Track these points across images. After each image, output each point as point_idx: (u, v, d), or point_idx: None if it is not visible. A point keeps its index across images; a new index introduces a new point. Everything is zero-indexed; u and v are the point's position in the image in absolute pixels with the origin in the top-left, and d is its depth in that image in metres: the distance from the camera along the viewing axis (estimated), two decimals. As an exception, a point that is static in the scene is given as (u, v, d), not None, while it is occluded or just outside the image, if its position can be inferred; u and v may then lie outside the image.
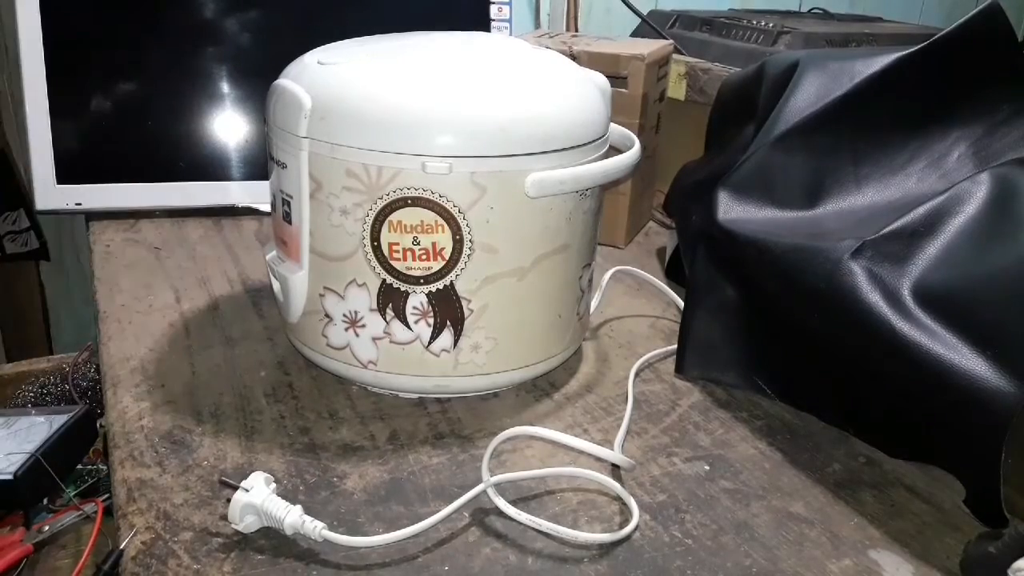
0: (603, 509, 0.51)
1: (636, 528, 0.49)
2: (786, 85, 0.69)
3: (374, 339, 0.58)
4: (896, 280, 0.54)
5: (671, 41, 0.99)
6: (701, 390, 0.65)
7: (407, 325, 0.57)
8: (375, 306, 0.57)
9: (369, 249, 0.55)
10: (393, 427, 0.58)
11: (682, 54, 1.02)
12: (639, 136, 0.65)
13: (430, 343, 0.57)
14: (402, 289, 0.56)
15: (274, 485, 0.49)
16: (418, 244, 0.55)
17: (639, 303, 0.78)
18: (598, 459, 0.54)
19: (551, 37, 0.92)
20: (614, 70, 0.82)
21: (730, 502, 0.52)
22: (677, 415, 0.61)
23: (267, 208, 0.65)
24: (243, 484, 0.48)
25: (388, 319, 0.57)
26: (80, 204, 0.89)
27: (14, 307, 1.46)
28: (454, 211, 0.54)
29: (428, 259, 0.55)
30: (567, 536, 0.49)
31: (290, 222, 0.58)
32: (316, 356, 0.61)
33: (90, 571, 0.66)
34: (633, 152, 0.61)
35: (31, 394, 1.03)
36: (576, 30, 1.33)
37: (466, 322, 0.57)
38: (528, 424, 0.58)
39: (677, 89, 0.97)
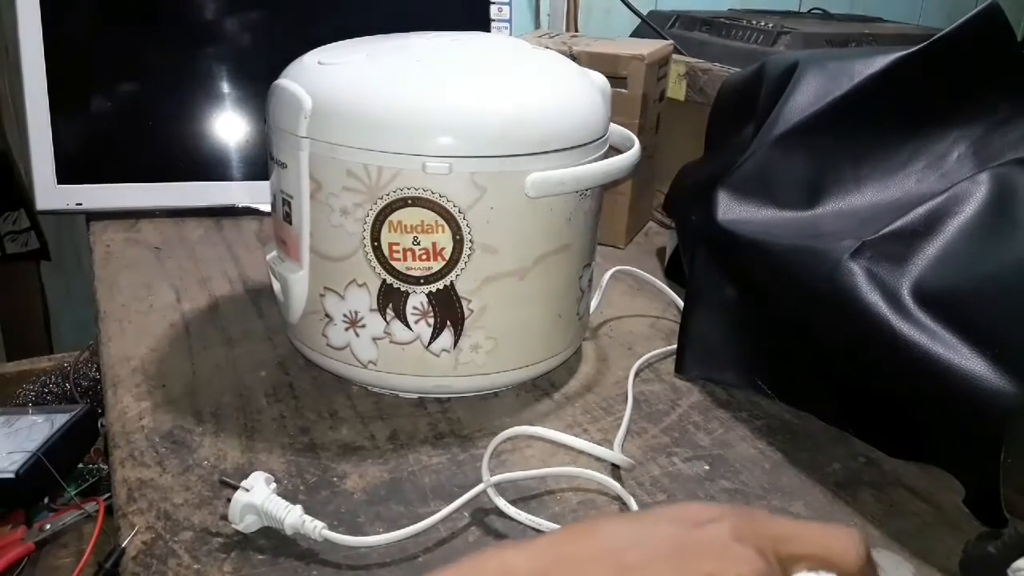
0: (603, 509, 0.52)
1: (636, 528, 0.49)
2: (786, 85, 0.69)
3: (374, 339, 0.58)
4: (896, 280, 0.54)
5: (671, 41, 0.99)
6: (701, 390, 0.65)
7: (407, 325, 0.57)
8: (375, 306, 0.57)
9: (369, 249, 0.55)
10: (393, 427, 0.58)
11: (682, 54, 1.02)
12: (639, 136, 0.65)
13: (430, 343, 0.57)
14: (402, 289, 0.56)
15: (274, 485, 0.49)
16: (418, 244, 0.55)
17: (639, 303, 0.78)
18: (598, 459, 0.54)
19: (551, 37, 0.92)
20: (614, 70, 0.82)
21: (730, 502, 0.52)
22: (677, 415, 0.61)
23: (267, 208, 0.65)
24: (243, 484, 0.48)
25: (388, 319, 0.57)
26: (80, 204, 0.89)
27: (14, 307, 1.46)
28: (454, 211, 0.54)
29: (428, 259, 0.55)
30: (567, 536, 0.49)
31: (290, 222, 0.58)
32: (316, 356, 0.61)
33: (92, 569, 0.66)
34: (633, 152, 0.61)
35: (32, 393, 1.03)
36: (576, 30, 1.33)
37: (466, 322, 0.57)
38: (528, 424, 0.58)
39: (677, 89, 0.97)
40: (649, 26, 1.22)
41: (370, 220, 0.54)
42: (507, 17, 1.02)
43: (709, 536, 0.30)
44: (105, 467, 0.86)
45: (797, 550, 0.31)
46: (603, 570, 0.29)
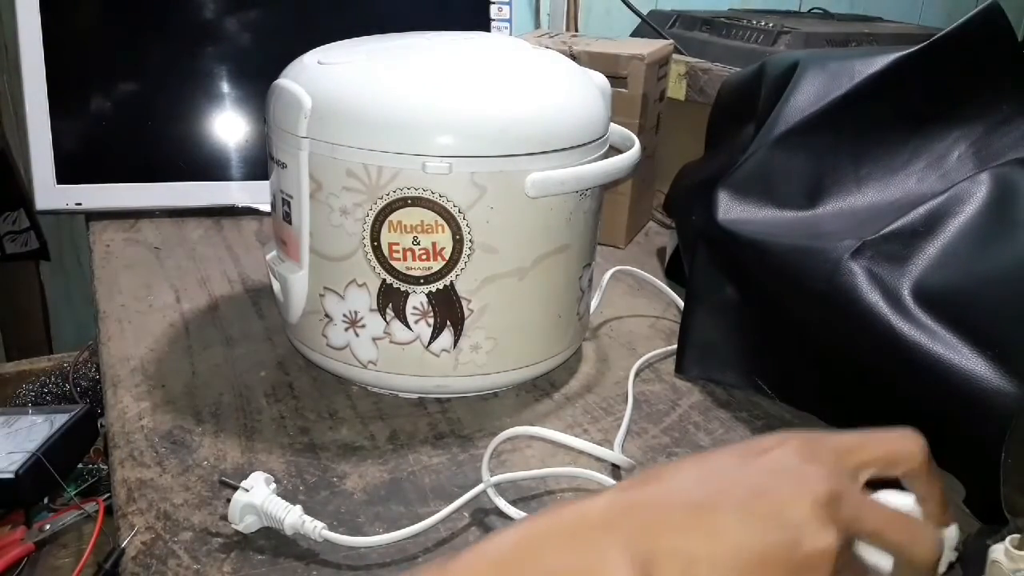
0: (603, 509, 0.51)
1: (636, 528, 0.49)
2: (786, 85, 0.69)
3: (374, 339, 0.58)
4: (896, 280, 0.54)
5: (671, 41, 0.99)
6: (701, 390, 0.65)
7: (407, 325, 0.57)
8: (375, 306, 0.57)
9: (369, 249, 0.55)
10: (393, 427, 0.58)
11: (682, 54, 1.02)
12: (639, 136, 0.65)
13: (430, 343, 0.57)
14: (402, 289, 0.56)
15: (274, 485, 0.49)
16: (418, 244, 0.55)
17: (639, 303, 0.78)
18: (598, 459, 0.54)
19: (551, 37, 0.92)
20: (614, 70, 0.82)
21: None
22: (677, 415, 0.61)
23: (267, 208, 0.65)
24: (243, 484, 0.48)
25: (388, 319, 0.57)
26: (80, 204, 0.89)
27: (14, 307, 1.46)
28: (454, 211, 0.54)
29: (428, 259, 0.55)
30: (567, 536, 0.48)
31: (290, 222, 0.58)
32: (316, 356, 0.61)
33: (91, 570, 0.66)
34: (633, 152, 0.61)
35: (32, 393, 1.03)
36: (576, 30, 1.33)
37: (466, 322, 0.57)
38: (528, 424, 0.58)
39: (677, 89, 0.97)
40: (649, 26, 1.22)
41: (370, 220, 0.54)
42: (507, 17, 1.02)
43: (776, 461, 0.30)
44: (105, 467, 0.86)
45: (863, 458, 0.32)
46: (676, 512, 0.29)
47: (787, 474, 0.30)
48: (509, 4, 1.02)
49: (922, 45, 0.66)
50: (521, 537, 0.29)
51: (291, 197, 0.58)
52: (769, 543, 0.28)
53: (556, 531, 0.29)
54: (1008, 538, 0.41)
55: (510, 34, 1.02)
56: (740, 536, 0.28)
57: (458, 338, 0.57)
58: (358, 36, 0.65)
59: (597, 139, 0.59)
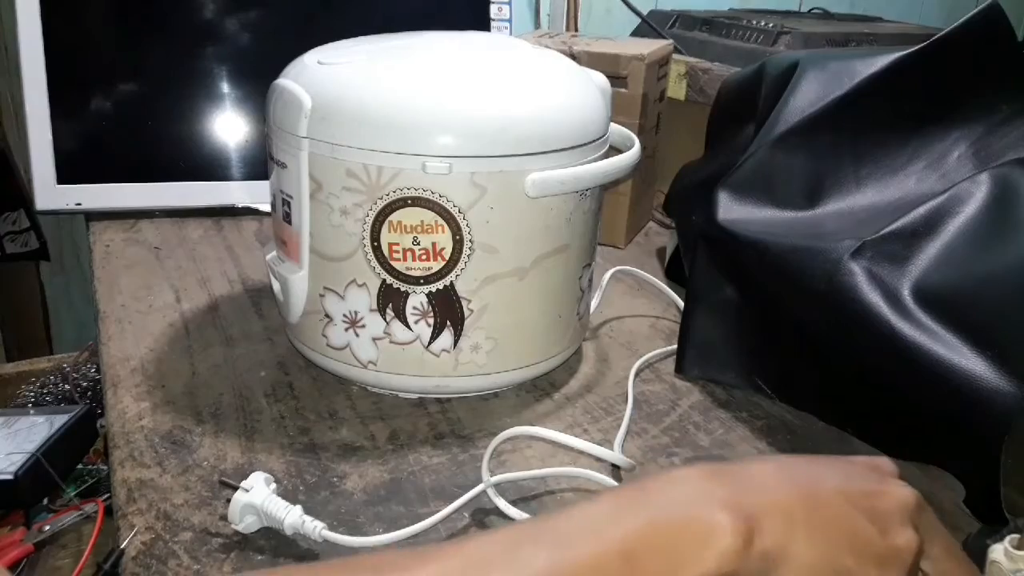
0: (603, 509, 0.51)
1: (636, 528, 0.49)
2: (786, 85, 0.69)
3: (374, 339, 0.58)
4: (896, 280, 0.54)
5: (671, 41, 0.99)
6: (701, 390, 0.65)
7: (407, 325, 0.57)
8: (375, 306, 0.57)
9: (369, 249, 0.55)
10: (393, 427, 0.58)
11: (682, 54, 1.02)
12: (639, 136, 0.65)
13: (430, 343, 0.57)
14: (402, 289, 0.56)
15: (274, 485, 0.49)
16: (418, 244, 0.55)
17: (639, 303, 0.78)
18: (598, 459, 0.54)
19: (551, 37, 0.92)
20: (614, 70, 0.82)
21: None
22: (677, 415, 0.61)
23: (267, 208, 0.65)
24: (243, 484, 0.48)
25: (388, 319, 0.57)
26: (80, 204, 0.89)
27: (14, 307, 1.46)
28: (454, 211, 0.54)
29: (428, 259, 0.55)
30: (567, 536, 0.48)
31: (290, 222, 0.58)
32: (316, 356, 0.61)
33: (91, 570, 0.66)
34: (633, 152, 0.61)
35: (31, 394, 1.03)
36: (576, 30, 1.33)
37: (466, 322, 0.57)
38: (528, 424, 0.58)
39: (677, 89, 0.97)
40: (649, 26, 1.22)
41: (370, 220, 0.54)
42: (507, 17, 1.02)
43: (863, 467, 0.33)
44: (104, 468, 0.86)
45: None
46: (775, 483, 0.30)
47: (876, 478, 0.32)
48: (509, 4, 1.02)
49: (922, 45, 0.66)
50: (619, 497, 0.30)
51: (291, 197, 0.58)
52: (861, 525, 0.30)
53: (656, 490, 0.30)
54: (1008, 538, 0.41)
55: (510, 34, 1.02)
56: (835, 512, 0.30)
57: (458, 338, 0.57)
58: (358, 36, 0.65)
59: (597, 139, 0.59)
